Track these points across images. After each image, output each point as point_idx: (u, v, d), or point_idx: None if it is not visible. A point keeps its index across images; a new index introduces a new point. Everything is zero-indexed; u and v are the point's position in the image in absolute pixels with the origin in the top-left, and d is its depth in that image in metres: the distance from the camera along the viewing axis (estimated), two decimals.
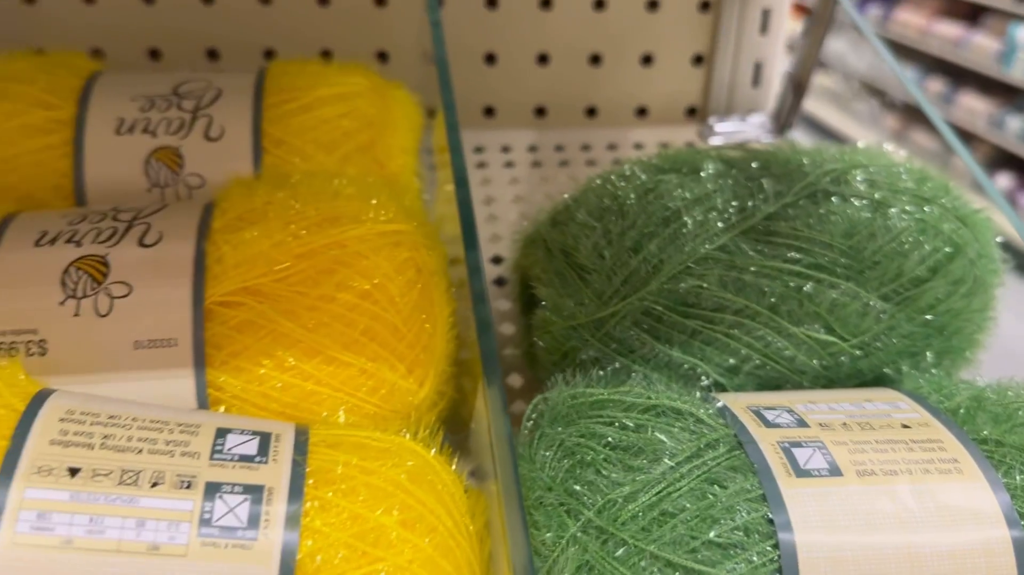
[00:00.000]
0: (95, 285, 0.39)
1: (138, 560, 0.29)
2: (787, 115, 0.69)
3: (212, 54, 0.67)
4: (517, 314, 0.50)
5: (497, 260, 0.61)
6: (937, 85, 2.39)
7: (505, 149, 0.69)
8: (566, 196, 0.47)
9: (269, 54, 0.67)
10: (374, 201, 0.43)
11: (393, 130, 0.53)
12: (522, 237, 0.48)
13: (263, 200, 0.41)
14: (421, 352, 0.41)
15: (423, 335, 0.41)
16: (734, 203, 0.42)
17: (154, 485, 0.30)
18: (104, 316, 0.38)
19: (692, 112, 0.72)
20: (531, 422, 0.39)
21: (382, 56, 0.69)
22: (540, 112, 0.72)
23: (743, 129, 0.70)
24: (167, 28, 0.65)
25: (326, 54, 0.68)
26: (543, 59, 0.70)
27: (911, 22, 2.44)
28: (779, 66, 0.72)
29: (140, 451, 0.31)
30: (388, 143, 0.52)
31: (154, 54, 0.66)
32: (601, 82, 0.71)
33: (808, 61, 0.65)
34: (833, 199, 0.42)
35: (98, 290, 0.39)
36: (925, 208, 0.43)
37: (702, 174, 0.44)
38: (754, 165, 0.45)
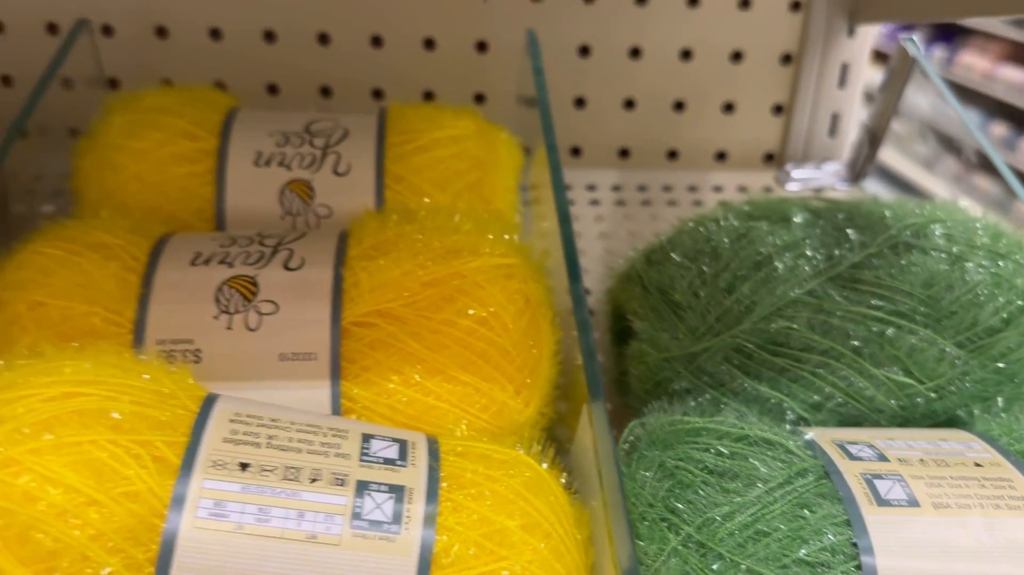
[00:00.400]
0: (245, 303, 0.43)
1: (298, 547, 0.33)
2: (862, 165, 0.72)
3: (325, 91, 0.72)
4: (607, 344, 0.54)
5: (585, 292, 0.65)
6: (1001, 129, 2.39)
7: (590, 187, 0.73)
8: (660, 237, 0.51)
9: (377, 94, 0.72)
10: (490, 236, 0.47)
11: (498, 170, 0.57)
12: (617, 273, 0.52)
13: (394, 232, 0.46)
14: (528, 375, 0.45)
15: (530, 360, 0.45)
16: (822, 251, 0.45)
17: (313, 481, 0.34)
18: (253, 330, 0.43)
19: (770, 158, 0.76)
20: (627, 444, 0.42)
21: (479, 98, 0.74)
22: (624, 153, 0.76)
23: (819, 176, 0.73)
24: (286, 65, 0.71)
25: (428, 95, 0.73)
26: (629, 104, 0.74)
27: (975, 65, 2.44)
28: (855, 117, 0.75)
29: (300, 451, 0.35)
30: (494, 182, 0.56)
31: (272, 89, 0.72)
32: (683, 127, 0.75)
33: (885, 116, 0.68)
34: (913, 251, 0.46)
35: (248, 307, 0.43)
36: (1000, 263, 0.46)
37: (792, 222, 0.47)
38: (840, 216, 0.48)
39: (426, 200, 0.53)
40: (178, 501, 0.32)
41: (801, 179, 0.74)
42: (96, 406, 0.33)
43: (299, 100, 0.72)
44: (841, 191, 0.72)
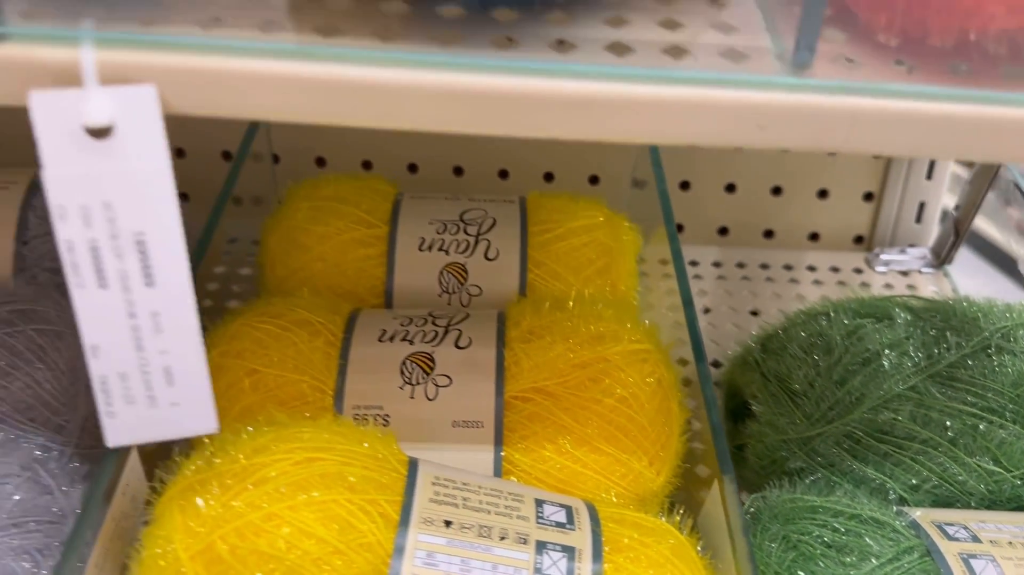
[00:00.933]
0: (425, 376, 0.51)
1: None
2: (948, 252, 0.77)
3: (458, 171, 0.80)
4: (722, 420, 0.61)
5: (685, 362, 0.71)
6: None
7: (692, 263, 0.80)
8: (773, 326, 0.58)
9: (504, 174, 0.80)
10: (628, 324, 0.54)
11: (622, 256, 0.64)
12: (734, 357, 0.59)
13: (547, 319, 0.53)
14: (660, 449, 0.52)
15: (663, 435, 0.52)
16: (922, 350, 0.51)
17: (501, 539, 0.41)
18: (431, 400, 0.51)
19: (859, 240, 0.82)
20: (749, 515, 0.49)
21: (593, 179, 0.81)
22: (723, 231, 0.82)
23: (905, 260, 0.79)
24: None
25: (548, 176, 0.81)
26: (730, 188, 0.80)
27: None
28: (940, 205, 0.80)
29: (488, 512, 0.42)
30: (619, 268, 0.63)
31: (412, 168, 0.80)
32: (780, 210, 0.81)
33: (971, 208, 0.74)
34: (1004, 353, 0.51)
35: (427, 380, 0.51)
36: None
37: (896, 321, 0.53)
38: (937, 317, 0.54)
39: (561, 283, 0.61)
40: (399, 551, 0.40)
41: (888, 262, 0.79)
42: (335, 470, 0.41)
43: (435, 179, 0.80)
44: (927, 275, 0.78)
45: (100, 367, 0.35)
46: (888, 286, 0.78)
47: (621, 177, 0.80)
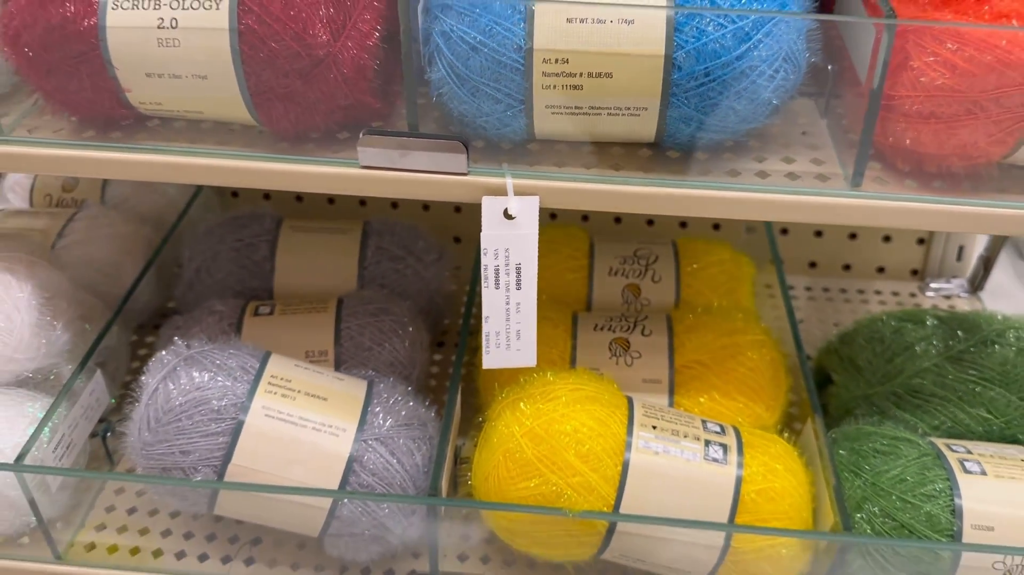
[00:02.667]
0: (624, 351, 0.83)
1: (684, 465, 0.71)
2: (979, 281, 1.06)
3: (618, 220, 1.12)
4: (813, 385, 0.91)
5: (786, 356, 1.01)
6: None
7: (790, 287, 1.10)
8: (846, 327, 0.88)
9: (650, 222, 1.12)
10: (751, 323, 0.85)
11: (743, 282, 0.95)
12: (821, 348, 0.89)
13: (700, 319, 0.85)
14: (772, 399, 0.82)
15: (774, 391, 0.82)
16: (942, 342, 0.81)
17: (684, 436, 0.72)
18: (628, 366, 0.82)
19: (915, 272, 1.11)
20: (831, 438, 0.79)
21: (716, 226, 1.12)
22: (812, 265, 1.12)
23: (949, 287, 1.08)
24: None
25: (683, 224, 1.12)
26: (818, 234, 1.10)
27: None
28: (977, 247, 1.08)
29: (676, 423, 0.73)
30: (741, 288, 0.94)
31: (617, 219, 1.12)
32: (855, 250, 1.11)
33: (995, 251, 1.02)
34: (996, 345, 0.80)
35: (625, 354, 0.83)
36: None
37: (926, 324, 0.83)
38: (954, 322, 0.83)
39: (703, 298, 0.92)
40: (628, 438, 0.71)
41: (937, 289, 1.08)
42: (592, 394, 0.73)
43: (605, 224, 1.12)
44: (964, 299, 1.07)
45: (488, 327, 0.68)
46: (935, 307, 1.07)
47: (738, 223, 1.11)
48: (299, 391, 0.73)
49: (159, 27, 0.59)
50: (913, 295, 1.09)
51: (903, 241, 1.09)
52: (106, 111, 0.65)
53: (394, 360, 0.84)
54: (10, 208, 1.04)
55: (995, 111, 0.58)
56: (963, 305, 1.06)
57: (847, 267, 1.12)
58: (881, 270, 1.11)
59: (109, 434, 0.81)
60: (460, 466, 0.79)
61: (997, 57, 0.56)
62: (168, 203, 1.04)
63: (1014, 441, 0.79)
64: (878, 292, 1.09)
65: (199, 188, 1.07)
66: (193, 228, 0.96)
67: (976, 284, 1.07)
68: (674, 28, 0.57)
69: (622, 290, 0.93)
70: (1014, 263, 1.12)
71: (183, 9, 0.59)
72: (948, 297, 1.08)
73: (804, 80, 0.62)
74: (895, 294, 1.09)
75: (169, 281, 0.98)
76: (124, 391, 0.85)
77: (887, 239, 1.09)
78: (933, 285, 1.09)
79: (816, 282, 1.11)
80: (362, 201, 1.14)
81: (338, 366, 0.83)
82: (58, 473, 0.74)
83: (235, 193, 1.16)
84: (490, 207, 0.63)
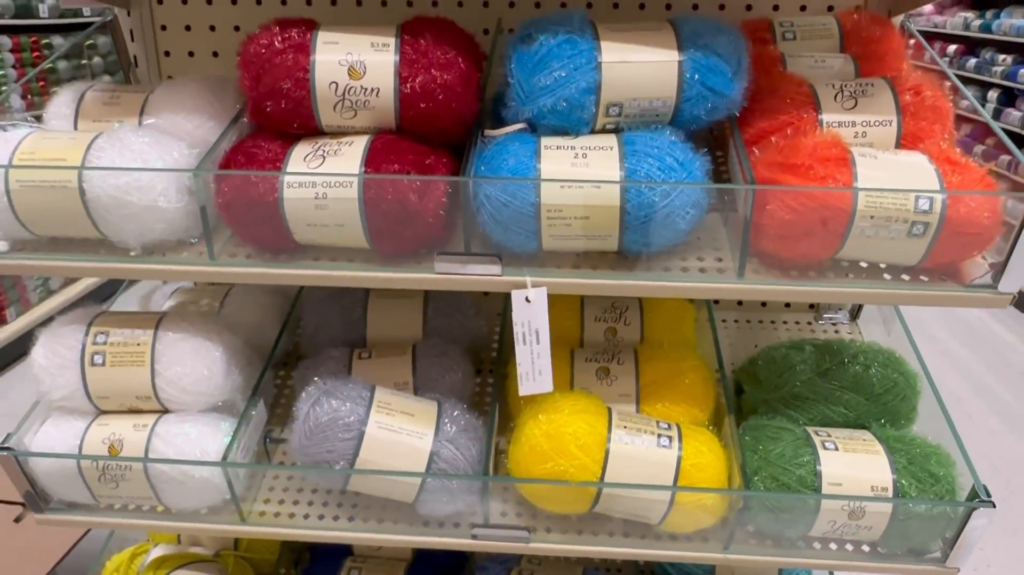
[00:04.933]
0: (605, 374, 1.11)
1: (644, 450, 0.99)
2: (856, 312, 1.33)
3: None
4: (732, 394, 1.18)
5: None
6: None
7: (722, 320, 1.38)
8: (755, 353, 1.15)
9: None
10: (691, 352, 1.13)
11: (688, 322, 1.23)
12: (736, 368, 1.17)
13: (656, 351, 1.13)
14: (704, 405, 1.09)
15: (706, 399, 1.10)
16: (815, 362, 1.08)
17: (646, 432, 1.00)
18: (608, 385, 1.10)
19: (812, 306, 1.38)
20: (740, 430, 1.06)
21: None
22: (740, 303, 1.40)
23: (837, 316, 1.35)
24: None
25: None
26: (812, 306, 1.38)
27: None
28: None
29: (640, 423, 1.01)
30: (687, 327, 1.22)
31: None
32: None
33: None
34: (852, 364, 1.08)
35: (606, 376, 1.11)
36: (886, 369, 1.08)
37: (806, 350, 1.11)
38: (824, 348, 1.11)
39: (657, 337, 1.20)
40: (609, 433, 0.99)
41: (828, 318, 1.35)
42: (583, 407, 1.01)
43: None
44: (846, 325, 1.34)
45: (521, 370, 0.96)
46: (825, 331, 1.34)
47: None
48: (396, 410, 1.01)
49: (316, 198, 0.87)
50: (810, 323, 1.36)
51: None
52: (278, 245, 0.93)
53: (452, 387, 1.12)
54: (173, 287, 1.32)
55: (818, 232, 0.86)
56: (845, 330, 1.34)
57: (763, 304, 1.39)
58: (788, 305, 1.39)
59: (268, 441, 1.09)
60: (499, 455, 1.07)
61: (818, 203, 0.84)
62: None
63: (861, 427, 1.07)
64: (785, 322, 1.37)
65: None
66: (309, 298, 1.25)
67: (854, 314, 1.34)
68: (625, 191, 0.85)
69: (603, 332, 1.21)
70: None
71: (331, 187, 0.87)
72: (835, 323, 1.35)
73: (711, 202, 0.89)
74: (797, 323, 1.36)
75: (293, 334, 1.26)
76: (272, 411, 1.13)
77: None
78: (826, 315, 1.36)
79: (742, 315, 1.39)
80: None
81: (416, 392, 1.11)
82: (249, 467, 1.02)
83: None
84: (516, 296, 0.91)
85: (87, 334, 1.02)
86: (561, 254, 0.94)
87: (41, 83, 3.30)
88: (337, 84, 0.87)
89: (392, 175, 0.86)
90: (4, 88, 3.17)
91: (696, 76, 0.86)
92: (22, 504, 1.87)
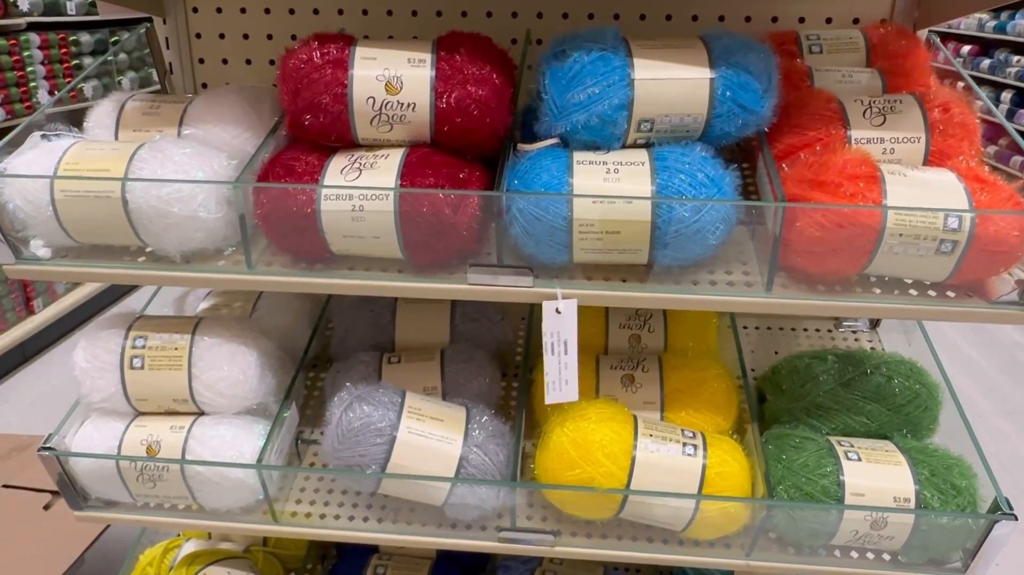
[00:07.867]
0: (630, 382, 1.11)
1: (669, 459, 0.99)
2: (876, 321, 1.33)
3: None
4: (755, 401, 1.18)
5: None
6: None
7: (743, 327, 1.38)
8: (778, 362, 1.15)
9: None
10: (714, 361, 1.13)
11: (711, 330, 1.23)
12: (760, 376, 1.17)
13: (680, 360, 1.13)
14: (728, 413, 1.10)
15: (730, 408, 1.10)
16: (838, 373, 1.08)
17: (671, 440, 1.00)
18: (634, 393, 1.11)
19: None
20: (765, 438, 1.07)
21: None
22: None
23: (857, 324, 1.35)
24: None
25: None
26: None
27: None
28: None
29: (666, 432, 1.02)
30: (710, 335, 1.22)
31: None
32: None
33: None
34: (874, 375, 1.08)
35: (631, 383, 1.11)
36: (908, 381, 1.08)
37: (829, 359, 1.10)
38: (848, 358, 1.11)
39: (682, 345, 1.20)
40: (635, 441, 0.99)
41: (848, 326, 1.35)
42: (610, 414, 1.01)
43: None
44: (866, 333, 1.34)
45: (548, 379, 0.96)
46: (845, 339, 1.34)
47: None
48: (427, 416, 1.02)
49: (352, 210, 0.88)
50: (830, 331, 1.36)
51: None
52: (314, 255, 0.94)
53: (480, 392, 1.13)
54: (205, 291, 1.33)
55: (847, 249, 0.86)
56: (865, 338, 1.33)
57: (790, 317, 1.39)
58: (811, 318, 1.39)
59: (300, 442, 1.10)
60: (526, 461, 1.08)
61: (848, 221, 0.84)
62: None
63: (883, 438, 1.07)
64: (805, 329, 1.37)
65: None
66: (339, 302, 1.25)
67: (874, 323, 1.34)
68: (656, 207, 0.85)
69: (628, 338, 1.21)
70: None
71: (367, 200, 0.87)
72: (855, 332, 1.35)
73: (741, 217, 0.89)
74: (817, 330, 1.36)
75: (322, 337, 1.27)
76: (302, 412, 1.14)
77: None
78: (846, 323, 1.36)
79: (762, 322, 1.38)
80: None
81: (444, 396, 1.12)
82: (283, 470, 1.03)
83: None
84: (548, 307, 0.91)
85: (126, 338, 1.03)
86: (591, 268, 0.94)
87: (68, 78, 3.32)
88: (374, 99, 0.88)
89: (427, 189, 0.86)
90: (33, 84, 3.19)
91: (728, 93, 0.86)
92: (52, 492, 1.89)
